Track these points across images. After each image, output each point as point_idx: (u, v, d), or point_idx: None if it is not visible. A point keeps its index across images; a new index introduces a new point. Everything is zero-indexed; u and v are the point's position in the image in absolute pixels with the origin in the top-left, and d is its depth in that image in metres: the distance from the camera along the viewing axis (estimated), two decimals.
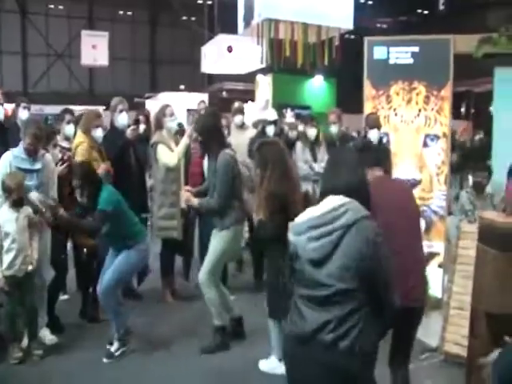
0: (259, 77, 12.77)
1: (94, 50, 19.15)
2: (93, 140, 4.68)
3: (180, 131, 5.64)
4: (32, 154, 4.08)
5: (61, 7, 24.96)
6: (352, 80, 17.22)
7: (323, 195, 2.21)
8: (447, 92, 4.81)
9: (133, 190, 4.85)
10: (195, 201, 4.15)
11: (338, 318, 2.02)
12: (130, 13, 25.87)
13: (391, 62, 4.94)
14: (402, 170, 4.89)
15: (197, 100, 12.69)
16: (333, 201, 2.13)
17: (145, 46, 27.00)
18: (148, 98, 19.46)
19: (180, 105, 14.10)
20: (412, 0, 23.09)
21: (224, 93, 21.53)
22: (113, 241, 4.07)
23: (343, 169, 2.24)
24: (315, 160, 5.56)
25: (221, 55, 16.62)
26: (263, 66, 15.06)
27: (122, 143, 4.92)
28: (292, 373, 2.20)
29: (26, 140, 4.05)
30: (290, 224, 2.21)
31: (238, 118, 5.73)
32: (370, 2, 23.22)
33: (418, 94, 4.90)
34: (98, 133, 4.71)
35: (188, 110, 15.09)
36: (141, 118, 6.07)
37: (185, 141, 4.93)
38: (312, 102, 11.94)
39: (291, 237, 2.18)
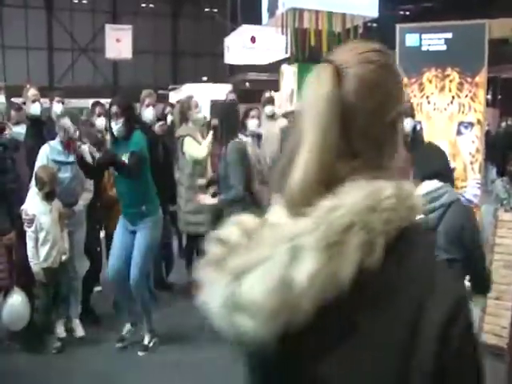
0: (284, 67, 12.69)
1: (118, 43, 19.28)
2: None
3: (206, 123, 5.63)
4: (68, 147, 4.11)
5: (85, 1, 25.15)
6: None
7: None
8: (482, 78, 4.71)
9: (161, 183, 4.85)
10: (214, 200, 4.10)
11: None
12: (152, 5, 25.93)
13: (423, 48, 4.86)
14: None
15: (220, 91, 12.73)
16: (429, 185, 2.41)
17: (167, 38, 27.08)
18: (171, 89, 19.53)
19: (203, 96, 14.11)
20: None
21: (247, 83, 21.49)
22: (132, 203, 3.86)
23: (434, 157, 2.58)
24: None
25: (244, 46, 16.61)
26: (287, 55, 15.11)
27: (150, 138, 4.91)
28: None
29: (60, 134, 4.10)
30: None
31: (268, 109, 5.70)
32: None
33: (451, 81, 4.81)
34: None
35: (211, 100, 15.12)
36: (168, 109, 6.07)
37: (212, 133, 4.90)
38: None
39: None
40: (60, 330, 4.16)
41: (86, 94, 19.06)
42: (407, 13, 23.51)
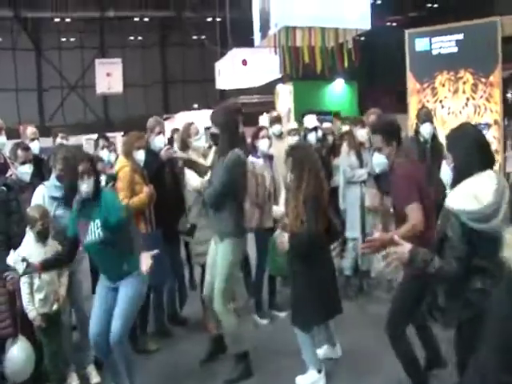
0: (279, 86, 12.64)
1: (109, 77, 19.19)
2: (135, 163, 4.48)
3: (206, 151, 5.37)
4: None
5: (72, 39, 25.22)
6: (369, 81, 17.07)
7: (465, 174, 2.34)
8: (496, 77, 4.56)
9: (172, 211, 4.66)
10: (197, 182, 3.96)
11: None
12: (140, 37, 26.04)
13: (434, 52, 4.72)
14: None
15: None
16: (488, 178, 2.30)
17: (156, 68, 27.15)
18: (165, 119, 19.45)
19: (198, 123, 13.96)
20: None
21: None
22: (112, 267, 3.46)
23: (481, 146, 2.43)
24: (361, 164, 5.27)
25: (235, 69, 16.58)
26: (280, 75, 15.10)
27: (157, 166, 4.72)
28: None
29: (57, 166, 3.87)
30: (463, 211, 2.26)
31: (276, 128, 5.50)
32: (379, 2, 23.05)
33: (464, 83, 4.66)
34: (140, 155, 4.47)
35: (206, 128, 14.98)
36: (175, 136, 5.90)
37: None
38: (334, 107, 11.73)
39: (474, 225, 2.24)
40: (72, 379, 3.86)
41: (78, 130, 18.97)
42: (394, 24, 23.67)
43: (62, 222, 3.73)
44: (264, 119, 11.94)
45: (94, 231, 3.33)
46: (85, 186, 3.32)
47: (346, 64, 10.73)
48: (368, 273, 5.55)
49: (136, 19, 24.59)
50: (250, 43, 19.07)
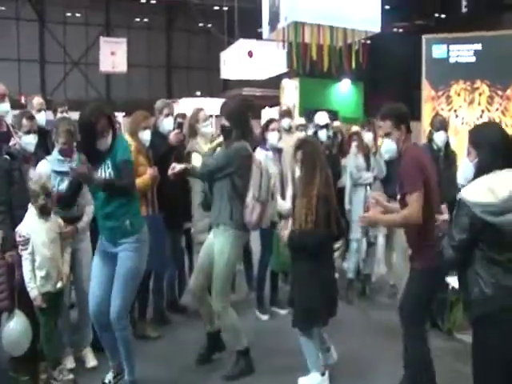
0: (285, 81, 12.60)
1: (113, 56, 19.04)
2: (140, 143, 4.43)
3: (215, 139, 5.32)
4: (68, 153, 3.81)
5: (78, 15, 24.95)
6: (375, 84, 17.06)
7: (486, 170, 2.39)
8: None
9: (176, 197, 4.61)
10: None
11: None
12: (146, 19, 25.81)
13: (451, 60, 4.71)
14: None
15: (217, 106, 12.51)
16: (508, 175, 2.36)
17: (161, 52, 26.94)
18: None
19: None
20: (428, 4, 22.87)
21: None
22: (113, 215, 3.28)
23: (503, 142, 2.45)
24: (368, 167, 5.28)
25: (241, 60, 16.48)
26: (285, 70, 15.05)
27: (165, 150, 4.66)
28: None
29: (59, 140, 3.81)
30: (478, 203, 2.33)
31: (285, 122, 5.48)
32: (387, 7, 23.02)
33: (480, 94, 4.66)
34: (146, 135, 4.41)
35: (216, 116, 14.95)
36: (183, 120, 5.81)
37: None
38: (339, 107, 11.71)
39: (487, 217, 2.31)
40: (68, 361, 3.81)
41: (80, 107, 18.78)
42: (400, 30, 23.65)
43: None
44: (267, 113, 11.91)
45: (103, 170, 3.28)
46: (105, 143, 3.28)
47: (353, 65, 10.78)
48: (370, 276, 5.56)
49: (143, 1, 24.38)
50: (256, 35, 19.03)
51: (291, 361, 3.74)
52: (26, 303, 3.56)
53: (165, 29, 26.85)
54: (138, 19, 25.57)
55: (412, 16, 22.84)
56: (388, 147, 3.29)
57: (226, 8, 20.67)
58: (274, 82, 17.85)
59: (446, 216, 2.78)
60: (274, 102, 15.98)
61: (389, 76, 20.33)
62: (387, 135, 3.26)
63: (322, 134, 5.26)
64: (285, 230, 3.56)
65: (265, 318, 4.89)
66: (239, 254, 3.84)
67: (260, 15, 12.27)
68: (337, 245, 5.73)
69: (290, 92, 12.35)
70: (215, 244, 3.66)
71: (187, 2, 22.83)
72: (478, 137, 2.54)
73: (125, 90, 25.62)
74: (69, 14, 24.89)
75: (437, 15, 23.13)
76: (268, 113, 12.02)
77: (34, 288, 3.50)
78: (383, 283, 5.66)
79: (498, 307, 2.32)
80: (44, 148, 4.24)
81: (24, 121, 3.88)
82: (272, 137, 4.80)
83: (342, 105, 11.81)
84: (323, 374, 3.54)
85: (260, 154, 4.81)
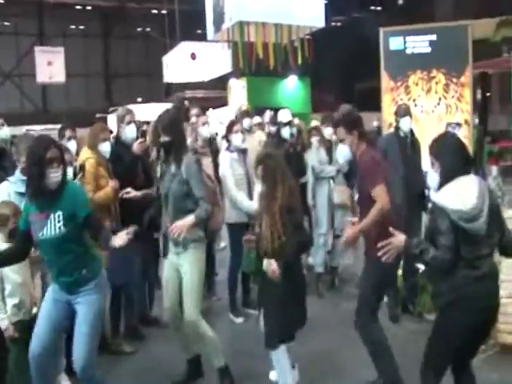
0: (232, 81, 12.53)
1: (50, 66, 18.39)
2: (100, 155, 4.26)
3: None
4: None
5: (7, 23, 23.94)
6: (319, 79, 17.30)
7: (450, 178, 2.58)
8: (467, 78, 4.69)
9: (142, 208, 4.46)
10: (190, 219, 3.40)
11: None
12: (82, 27, 25.12)
13: (408, 51, 4.79)
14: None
15: (159, 112, 12.33)
16: (471, 181, 2.58)
17: (99, 59, 26.32)
18: (111, 112, 18.87)
19: (143, 118, 13.69)
20: None
21: (186, 102, 21.19)
22: (68, 270, 2.97)
23: (461, 151, 2.66)
24: (331, 161, 5.30)
25: (184, 63, 16.34)
26: (229, 70, 15.01)
27: (130, 160, 4.50)
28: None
29: (21, 159, 3.56)
30: (455, 210, 2.50)
31: (245, 122, 5.40)
32: (325, 1, 23.40)
33: (437, 83, 4.77)
34: (105, 147, 4.25)
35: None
36: (145, 127, 5.66)
37: None
38: (287, 103, 11.76)
39: (462, 223, 2.52)
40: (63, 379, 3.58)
41: (15, 121, 18.09)
42: (338, 24, 24.09)
43: None
44: (211, 114, 11.83)
45: (53, 224, 2.87)
46: (55, 175, 2.84)
47: (299, 61, 10.87)
48: (337, 269, 5.58)
49: (78, 7, 23.72)
50: (198, 37, 18.89)
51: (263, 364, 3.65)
52: None
53: (102, 35, 26.23)
54: (73, 27, 24.86)
55: (349, 9, 23.33)
56: (342, 152, 3.50)
57: (165, 11, 20.44)
58: (217, 84, 17.81)
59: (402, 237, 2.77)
60: (218, 103, 15.92)
61: (332, 70, 20.69)
62: (342, 141, 3.45)
63: (285, 132, 5.21)
64: (271, 266, 3.28)
65: (239, 320, 4.80)
66: (204, 262, 3.67)
67: (200, 17, 12.20)
68: None
69: (238, 92, 12.32)
70: (183, 259, 3.51)
71: (125, 6, 22.41)
72: (438, 148, 2.72)
73: (62, 101, 24.87)
74: None
75: (373, 8, 23.76)
76: (212, 114, 11.96)
77: (4, 318, 3.25)
78: (351, 274, 5.70)
79: (459, 296, 2.60)
80: (2, 169, 3.99)
81: None
82: (236, 138, 4.71)
83: (289, 101, 11.86)
84: None
85: (225, 156, 4.74)
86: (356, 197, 3.65)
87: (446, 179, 2.62)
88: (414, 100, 4.85)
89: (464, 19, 5.11)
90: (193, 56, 16.28)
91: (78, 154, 4.54)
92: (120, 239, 2.98)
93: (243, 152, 4.84)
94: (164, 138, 3.48)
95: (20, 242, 3.04)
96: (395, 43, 4.80)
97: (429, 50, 4.78)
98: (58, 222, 2.87)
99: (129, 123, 4.50)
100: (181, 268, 3.52)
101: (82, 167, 4.11)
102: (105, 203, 4.12)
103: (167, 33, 18.51)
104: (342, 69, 22.58)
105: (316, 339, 4.13)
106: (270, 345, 3.34)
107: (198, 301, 3.52)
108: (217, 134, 7.02)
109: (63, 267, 2.96)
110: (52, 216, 2.87)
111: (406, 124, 4.47)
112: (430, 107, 4.78)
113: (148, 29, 24.59)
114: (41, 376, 3.01)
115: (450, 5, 20.45)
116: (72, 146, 4.56)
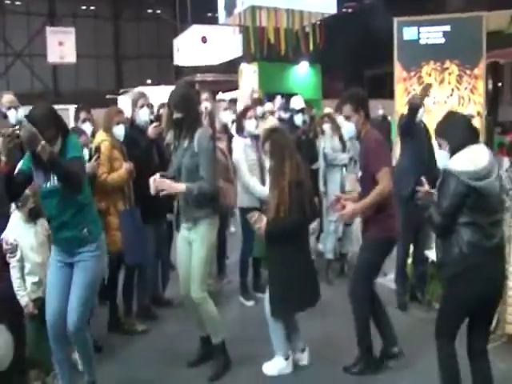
0: (243, 66, 12.51)
1: (61, 46, 18.41)
2: (114, 138, 4.33)
3: None
4: None
5: (18, 3, 23.91)
6: (330, 66, 17.24)
7: (460, 149, 2.74)
8: (480, 70, 4.72)
9: None
10: (181, 186, 3.42)
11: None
12: (92, 7, 25.04)
13: (422, 42, 4.81)
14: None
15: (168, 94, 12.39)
16: (481, 149, 2.77)
17: (109, 41, 26.27)
18: (122, 93, 18.90)
19: (155, 100, 13.72)
20: None
21: (196, 85, 21.16)
22: (69, 224, 3.01)
23: (467, 124, 2.91)
24: (344, 149, 5.35)
25: (195, 47, 16.32)
26: (240, 55, 14.97)
27: (145, 143, 4.56)
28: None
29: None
30: (465, 171, 2.67)
31: (258, 109, 5.47)
32: None
33: (450, 74, 4.79)
34: (119, 130, 4.30)
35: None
36: (162, 110, 5.69)
37: None
38: (298, 89, 11.76)
39: (473, 182, 2.66)
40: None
41: (26, 101, 18.12)
42: (350, 10, 23.85)
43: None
44: (221, 97, 11.89)
45: (51, 178, 2.94)
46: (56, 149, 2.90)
47: (311, 47, 10.86)
48: (347, 256, 5.66)
49: None
50: (208, 20, 18.79)
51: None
52: (5, 313, 3.34)
53: (112, 17, 26.14)
54: (84, 7, 24.78)
55: None
56: (348, 129, 3.58)
57: None
58: (227, 67, 17.77)
59: (426, 187, 2.98)
60: (228, 86, 15.90)
61: (341, 56, 20.57)
62: (347, 118, 3.54)
63: (298, 119, 5.27)
64: (260, 222, 3.46)
65: (250, 303, 4.91)
66: (215, 238, 3.71)
67: (212, 0, 12.17)
68: (311, 226, 5.83)
69: (249, 76, 12.30)
70: (194, 234, 3.54)
71: None
72: (445, 127, 2.91)
73: (73, 82, 24.91)
74: (8, 2, 23.84)
75: None
76: (222, 97, 12.03)
77: (24, 295, 3.37)
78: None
79: (468, 265, 2.72)
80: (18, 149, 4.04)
81: None
82: (250, 124, 4.78)
83: (300, 87, 11.86)
84: (287, 359, 3.56)
85: (238, 142, 4.81)
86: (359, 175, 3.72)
87: (456, 149, 2.76)
88: None
89: (476, 9, 5.11)
90: (203, 39, 16.25)
91: (93, 135, 4.64)
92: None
93: (256, 138, 4.91)
94: (177, 115, 3.46)
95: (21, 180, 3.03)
96: (409, 33, 4.81)
97: (442, 40, 4.78)
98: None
99: (142, 107, 4.56)
100: (192, 243, 3.54)
101: (98, 149, 4.19)
102: (118, 185, 4.21)
103: (178, 15, 18.42)
104: (351, 55, 22.40)
105: (325, 325, 4.24)
106: (273, 312, 3.45)
107: (205, 277, 3.56)
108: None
109: (65, 221, 2.99)
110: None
111: (418, 115, 4.53)
112: (443, 98, 4.81)
113: (158, 11, 24.47)
114: (59, 344, 3.13)
115: None
116: (87, 127, 4.65)
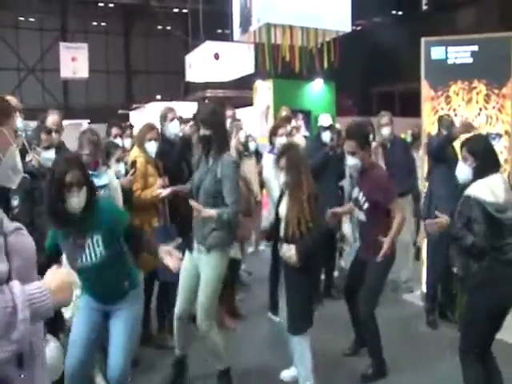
0: (258, 82, 12.63)
1: (74, 62, 18.64)
2: (148, 154, 4.40)
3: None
4: (93, 166, 3.69)
5: (32, 19, 24.26)
6: (343, 83, 17.39)
7: (486, 174, 2.96)
8: (508, 90, 4.78)
9: (188, 205, 4.59)
10: (212, 212, 3.33)
11: None
12: (104, 23, 25.37)
13: (450, 61, 4.88)
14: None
15: (183, 109, 12.51)
16: (500, 178, 2.99)
17: (120, 56, 26.54)
18: (134, 109, 19.06)
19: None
20: (385, 2, 23.45)
21: (206, 101, 21.33)
22: (109, 286, 2.86)
23: (494, 152, 3.14)
24: None
25: (207, 63, 16.47)
26: (252, 71, 15.13)
27: (174, 155, 4.63)
28: None
29: (84, 151, 3.69)
30: (493, 205, 2.87)
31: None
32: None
33: (478, 93, 4.85)
34: (152, 147, 4.37)
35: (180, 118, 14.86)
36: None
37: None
38: (313, 106, 11.85)
39: (499, 215, 2.87)
40: (99, 379, 3.63)
41: (37, 115, 18.29)
42: (358, 28, 24.09)
43: None
44: (247, 113, 12.06)
45: (92, 250, 2.72)
46: (75, 201, 2.62)
47: (325, 64, 10.97)
48: None
49: (100, 4, 23.97)
50: (219, 36, 18.97)
51: None
52: (51, 326, 3.37)
53: (123, 33, 26.46)
54: (95, 23, 25.11)
55: (369, 13, 23.37)
56: (353, 163, 3.76)
57: (185, 10, 20.60)
58: (238, 84, 17.93)
59: (445, 217, 3.14)
60: (238, 102, 16.03)
61: (351, 74, 20.74)
62: (352, 154, 3.70)
63: (326, 136, 5.31)
64: (289, 252, 3.37)
65: (278, 319, 4.92)
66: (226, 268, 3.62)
67: (221, 17, 12.33)
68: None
69: (264, 93, 12.39)
70: (204, 260, 3.46)
71: (147, 4, 22.59)
72: (478, 146, 3.10)
73: (83, 97, 25.12)
74: (22, 19, 24.19)
75: (394, 12, 23.74)
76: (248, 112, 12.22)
77: (68, 309, 3.32)
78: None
79: (488, 278, 2.90)
80: None
81: (43, 136, 3.77)
82: (280, 141, 4.85)
83: (315, 104, 11.94)
84: None
85: (269, 159, 4.87)
86: (359, 197, 3.81)
87: (481, 175, 2.96)
88: (454, 110, 4.92)
89: (486, 27, 5.17)
90: (216, 56, 16.42)
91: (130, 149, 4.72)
92: (172, 260, 2.71)
93: None
94: (204, 132, 3.39)
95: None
96: (437, 53, 4.88)
97: (470, 60, 4.85)
98: (98, 246, 2.72)
99: (171, 120, 4.67)
100: (202, 268, 3.46)
101: (134, 164, 4.26)
102: (152, 201, 4.26)
103: (190, 32, 18.64)
104: (360, 73, 22.59)
105: (344, 339, 4.23)
106: (293, 329, 3.43)
107: (214, 305, 3.48)
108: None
109: (104, 288, 2.85)
110: (89, 242, 2.71)
111: None
112: (471, 117, 4.85)
113: (168, 27, 24.75)
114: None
115: (472, 13, 20.43)
116: (119, 143, 4.73)
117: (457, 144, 4.22)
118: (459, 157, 3.24)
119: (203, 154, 3.50)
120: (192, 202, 3.39)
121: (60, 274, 1.55)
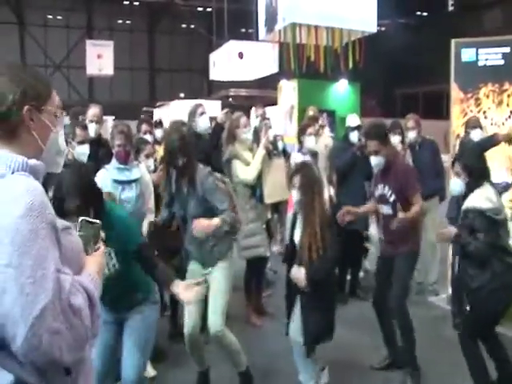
0: (283, 82, 12.67)
1: (100, 59, 18.88)
2: None
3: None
4: (124, 157, 3.72)
5: (59, 17, 24.66)
6: (367, 84, 17.34)
7: (480, 185, 3.29)
8: None
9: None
10: (216, 220, 3.25)
11: None
12: (129, 21, 25.66)
13: (480, 63, 4.85)
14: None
15: (208, 108, 12.59)
16: (490, 186, 3.32)
17: (144, 54, 26.82)
18: (159, 106, 19.24)
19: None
20: (410, 2, 23.29)
21: (230, 99, 21.43)
22: (122, 296, 2.79)
23: (484, 169, 3.49)
24: None
25: (231, 62, 16.54)
26: (276, 71, 15.17)
27: (204, 150, 4.68)
28: None
29: (116, 142, 3.72)
30: (492, 210, 3.19)
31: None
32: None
33: (509, 96, 4.81)
34: None
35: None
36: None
37: (261, 152, 4.62)
38: (337, 107, 11.85)
39: (498, 217, 3.20)
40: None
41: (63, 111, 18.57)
42: (383, 28, 23.94)
43: (128, 207, 3.61)
44: (271, 112, 12.08)
45: (107, 263, 2.63)
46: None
47: (350, 65, 10.96)
48: None
49: (126, 2, 24.24)
50: (243, 35, 19.01)
51: None
52: None
53: (148, 31, 26.72)
54: (120, 21, 25.41)
55: (393, 14, 23.22)
56: (377, 162, 3.79)
57: (209, 9, 20.71)
58: (261, 83, 17.98)
59: (454, 230, 3.36)
60: (261, 102, 16.08)
61: (377, 75, 20.66)
62: (376, 153, 3.74)
63: (354, 136, 5.31)
64: (298, 274, 3.29)
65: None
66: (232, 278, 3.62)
67: (245, 16, 12.36)
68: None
69: (288, 93, 12.43)
70: (214, 273, 3.46)
71: (171, 3, 22.77)
72: (469, 163, 3.40)
73: (108, 93, 25.45)
74: (50, 17, 24.60)
75: (418, 13, 23.58)
76: (272, 111, 12.23)
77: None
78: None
79: (500, 283, 3.14)
80: (96, 161, 4.16)
81: (78, 131, 3.85)
82: (309, 141, 4.89)
83: (339, 105, 11.94)
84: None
85: (298, 158, 4.91)
86: (385, 191, 3.80)
87: (474, 188, 3.28)
88: (484, 112, 4.90)
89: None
90: (240, 55, 16.48)
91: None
92: (186, 294, 2.57)
93: (314, 155, 5.01)
94: (182, 160, 3.29)
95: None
96: (467, 55, 4.85)
97: (502, 62, 4.82)
98: (111, 259, 2.69)
99: (201, 114, 4.75)
100: (211, 276, 3.45)
101: (163, 159, 4.32)
102: None
103: (214, 30, 18.74)
104: (383, 74, 22.46)
105: (369, 340, 4.25)
106: (307, 342, 3.34)
107: (225, 309, 3.45)
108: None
109: (117, 299, 2.77)
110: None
111: (476, 135, 4.60)
112: (501, 120, 4.83)
113: (192, 26, 24.92)
114: None
115: (499, 14, 20.17)
116: (148, 139, 4.81)
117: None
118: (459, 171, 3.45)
119: (176, 184, 3.43)
120: (196, 223, 3.23)
121: (98, 256, 1.58)
